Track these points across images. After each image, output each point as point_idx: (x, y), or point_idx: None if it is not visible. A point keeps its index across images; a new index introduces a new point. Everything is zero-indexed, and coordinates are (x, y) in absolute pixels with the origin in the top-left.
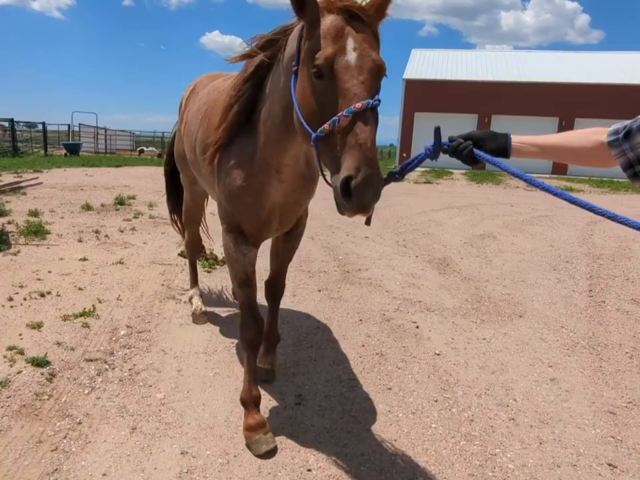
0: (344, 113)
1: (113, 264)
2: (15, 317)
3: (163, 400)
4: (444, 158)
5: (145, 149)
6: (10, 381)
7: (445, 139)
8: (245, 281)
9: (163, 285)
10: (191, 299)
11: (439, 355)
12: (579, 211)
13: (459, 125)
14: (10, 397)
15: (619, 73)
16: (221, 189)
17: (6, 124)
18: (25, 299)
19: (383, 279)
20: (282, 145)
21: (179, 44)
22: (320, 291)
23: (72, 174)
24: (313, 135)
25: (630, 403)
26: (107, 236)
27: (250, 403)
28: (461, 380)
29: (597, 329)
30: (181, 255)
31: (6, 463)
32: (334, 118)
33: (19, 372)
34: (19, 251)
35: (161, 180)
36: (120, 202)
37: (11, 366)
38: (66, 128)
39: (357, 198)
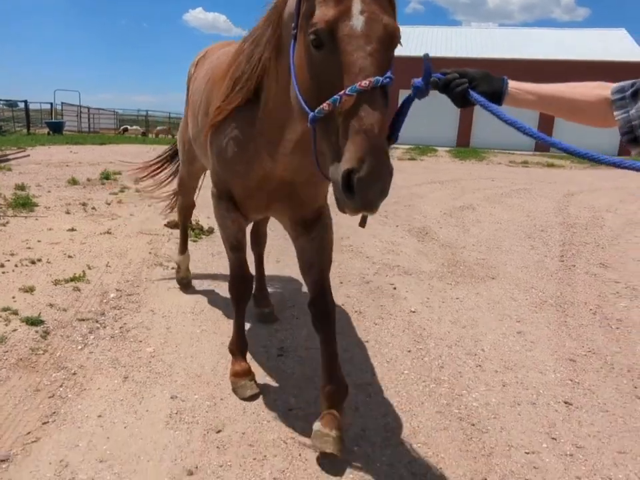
0: (347, 92)
1: (100, 234)
2: (8, 282)
3: (152, 353)
4: (429, 134)
5: (129, 127)
6: (6, 338)
7: (432, 116)
8: (234, 246)
9: (150, 253)
10: (178, 266)
11: (414, 312)
12: (557, 184)
13: (445, 101)
14: (7, 351)
15: (601, 50)
16: (214, 153)
17: None
18: (16, 266)
19: (364, 246)
20: (284, 118)
21: (161, 21)
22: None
23: (56, 151)
24: (310, 114)
25: (589, 351)
26: (93, 208)
27: (237, 351)
28: (433, 333)
29: (564, 289)
30: (167, 225)
31: (6, 408)
32: (335, 97)
33: (14, 330)
34: (7, 222)
35: (146, 155)
36: (106, 177)
37: (7, 325)
38: (48, 107)
39: (361, 195)
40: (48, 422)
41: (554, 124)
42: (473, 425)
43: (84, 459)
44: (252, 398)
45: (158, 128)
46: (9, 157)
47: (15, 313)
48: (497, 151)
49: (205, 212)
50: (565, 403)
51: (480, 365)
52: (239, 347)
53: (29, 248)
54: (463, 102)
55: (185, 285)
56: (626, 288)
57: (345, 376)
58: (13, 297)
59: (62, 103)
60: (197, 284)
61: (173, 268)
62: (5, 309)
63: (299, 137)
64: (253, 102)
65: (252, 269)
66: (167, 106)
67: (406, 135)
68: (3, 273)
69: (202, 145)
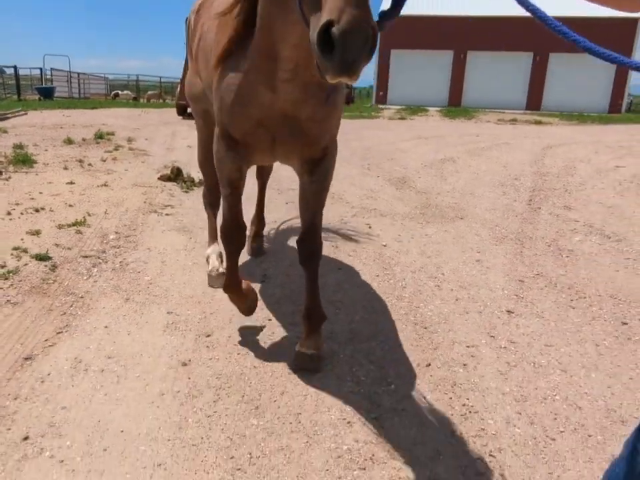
0: None
1: (98, 186)
2: (15, 226)
3: (150, 281)
4: (420, 95)
5: (120, 92)
6: (19, 270)
7: (424, 77)
8: (229, 184)
9: (145, 202)
10: (208, 257)
11: (385, 246)
12: (540, 139)
13: (436, 61)
14: (21, 280)
15: (593, 6)
16: (216, 94)
17: None
18: (22, 213)
19: (345, 193)
20: (278, 34)
21: None
22: (287, 203)
23: (49, 115)
24: None
25: (537, 274)
26: (90, 164)
27: (232, 289)
28: (401, 262)
29: (526, 227)
30: (160, 179)
31: (25, 323)
32: None
33: (26, 264)
34: (10, 177)
35: (138, 118)
36: (100, 136)
37: (18, 260)
38: (38, 72)
39: (340, 50)
40: (62, 332)
41: (545, 82)
42: (425, 327)
43: (94, 357)
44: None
45: (149, 92)
46: (8, 115)
47: (25, 251)
48: (488, 110)
49: (195, 166)
50: (508, 311)
51: (438, 285)
52: (232, 282)
53: (32, 199)
54: None
55: (214, 280)
56: (584, 225)
57: (321, 303)
58: (22, 239)
59: (51, 69)
60: (189, 225)
61: (167, 214)
62: (15, 248)
63: (295, 54)
64: (249, 35)
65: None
66: (158, 71)
67: (397, 96)
68: (11, 219)
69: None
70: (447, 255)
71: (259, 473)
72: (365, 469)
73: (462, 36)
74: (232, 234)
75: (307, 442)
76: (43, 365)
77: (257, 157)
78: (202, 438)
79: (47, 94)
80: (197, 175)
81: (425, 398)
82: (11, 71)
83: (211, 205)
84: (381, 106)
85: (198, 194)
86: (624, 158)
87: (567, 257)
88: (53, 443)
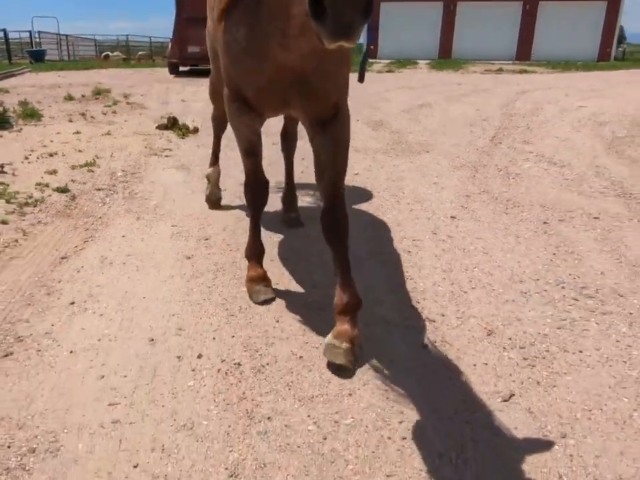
0: None
1: (102, 135)
2: (34, 168)
3: (156, 205)
4: (410, 48)
5: (110, 54)
6: (45, 199)
7: (413, 30)
8: (248, 150)
9: (146, 147)
10: (208, 177)
11: (357, 174)
12: (518, 85)
13: (425, 13)
14: (47, 207)
15: None
16: (223, 50)
17: None
18: (37, 158)
19: None
20: None
21: None
22: (274, 144)
23: (45, 76)
24: None
25: (483, 191)
26: (92, 117)
27: (253, 257)
28: (368, 184)
29: (483, 157)
30: (158, 127)
31: (57, 236)
32: None
33: (49, 195)
34: (21, 129)
35: (131, 77)
36: (98, 93)
37: (42, 193)
38: (27, 35)
39: (332, 14)
40: (87, 241)
41: (534, 31)
42: (382, 228)
43: (117, 255)
44: (266, 302)
45: (139, 53)
46: (15, 73)
47: (46, 185)
48: (478, 62)
49: (189, 116)
50: (451, 217)
51: (398, 201)
52: (254, 252)
53: (45, 146)
54: None
55: (214, 202)
56: (536, 155)
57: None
58: (42, 177)
59: (39, 32)
60: (187, 164)
61: (166, 156)
62: (38, 184)
63: (303, 9)
64: None
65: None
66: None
67: (387, 50)
68: (29, 162)
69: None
70: (409, 179)
71: (247, 318)
72: (324, 310)
73: None
74: (255, 189)
75: (283, 298)
76: (77, 262)
77: (269, 112)
78: (204, 299)
79: (38, 57)
80: (192, 123)
81: (377, 271)
82: (0, 34)
83: (217, 129)
84: (371, 60)
85: (193, 139)
86: (590, 99)
87: (513, 178)
88: (93, 305)
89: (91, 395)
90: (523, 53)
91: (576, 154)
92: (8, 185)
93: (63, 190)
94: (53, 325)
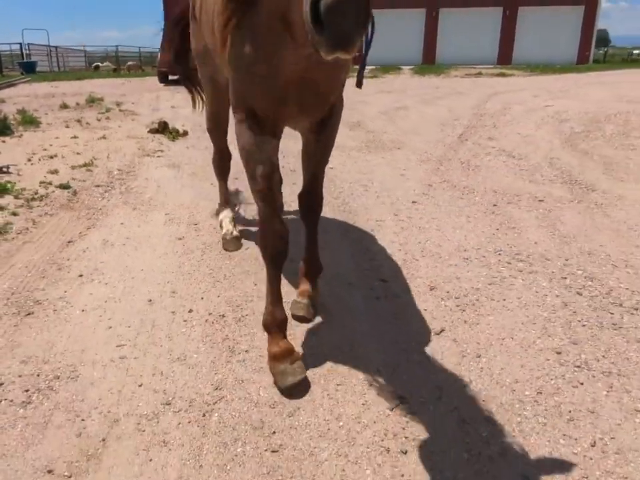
0: None
1: (98, 139)
2: (37, 168)
3: (150, 197)
4: (395, 55)
5: (100, 64)
6: (49, 195)
7: (397, 36)
8: (265, 187)
9: (139, 149)
10: (221, 222)
11: (332, 168)
12: (492, 88)
13: (409, 19)
14: (52, 201)
15: None
16: (231, 63)
17: None
18: (39, 159)
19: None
20: None
21: None
22: None
23: (38, 87)
24: None
25: (444, 181)
26: (87, 123)
27: (274, 327)
28: (342, 178)
29: (449, 152)
30: (150, 132)
31: (62, 224)
32: None
33: (53, 191)
34: (22, 135)
35: (122, 86)
36: (91, 101)
37: (46, 189)
38: (17, 47)
39: (329, 25)
40: (90, 228)
41: (515, 36)
42: (351, 212)
43: (117, 238)
44: (295, 387)
45: (129, 63)
46: (15, 82)
47: (50, 183)
48: (461, 66)
49: (179, 121)
50: (413, 202)
51: (367, 190)
52: (275, 320)
53: (45, 149)
54: None
55: (229, 243)
56: (497, 150)
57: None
58: (45, 176)
59: (28, 44)
60: (177, 163)
61: (158, 156)
62: (42, 182)
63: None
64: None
65: None
66: (137, 40)
67: (372, 57)
68: (32, 164)
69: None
70: (379, 172)
71: (230, 283)
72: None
73: None
74: (273, 240)
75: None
76: (82, 244)
77: (283, 125)
78: (194, 270)
79: (29, 68)
80: (182, 127)
81: (345, 246)
82: None
83: (220, 172)
84: (356, 66)
85: (183, 142)
86: (557, 100)
87: (472, 170)
88: (99, 277)
89: (101, 340)
90: (505, 57)
91: (534, 148)
92: (15, 183)
93: (65, 187)
94: (65, 292)
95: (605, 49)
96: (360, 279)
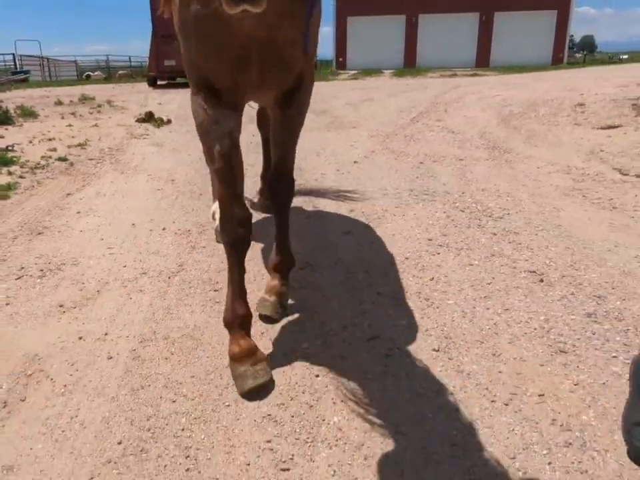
0: None
1: (90, 127)
2: (38, 148)
3: (136, 165)
4: (377, 59)
5: (91, 74)
6: (49, 165)
7: (378, 38)
8: (221, 163)
9: (127, 133)
10: (213, 214)
11: None
12: (457, 84)
13: (389, 25)
14: (52, 169)
15: None
16: (179, 33)
17: None
18: (39, 142)
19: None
20: None
21: None
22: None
23: (33, 92)
24: None
25: (385, 149)
26: (81, 115)
27: (235, 325)
28: (301, 149)
29: (398, 130)
30: (137, 120)
31: (61, 184)
32: None
33: (53, 162)
34: (22, 124)
35: (113, 90)
36: (84, 99)
37: (47, 161)
38: (10, 58)
39: None
40: (85, 186)
41: (492, 40)
42: (300, 169)
43: (107, 191)
44: (255, 390)
45: (120, 72)
46: (15, 78)
47: (49, 157)
48: (440, 69)
49: (164, 113)
50: (354, 162)
51: (318, 156)
52: (236, 317)
53: (44, 134)
54: None
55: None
56: (441, 128)
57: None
58: (45, 152)
59: (20, 55)
60: (160, 142)
61: (144, 138)
62: (42, 156)
63: None
64: None
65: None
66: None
67: (356, 62)
68: (33, 145)
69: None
70: (333, 144)
71: (197, 213)
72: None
73: (412, 0)
74: (231, 226)
75: None
76: (79, 195)
77: (246, 95)
78: (169, 207)
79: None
80: (166, 117)
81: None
82: None
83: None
84: (340, 71)
85: (166, 128)
86: (509, 91)
87: (413, 141)
88: (93, 213)
89: (95, 246)
90: (482, 60)
91: (472, 126)
92: (19, 157)
93: (63, 159)
94: (66, 221)
95: (584, 53)
96: (299, 204)
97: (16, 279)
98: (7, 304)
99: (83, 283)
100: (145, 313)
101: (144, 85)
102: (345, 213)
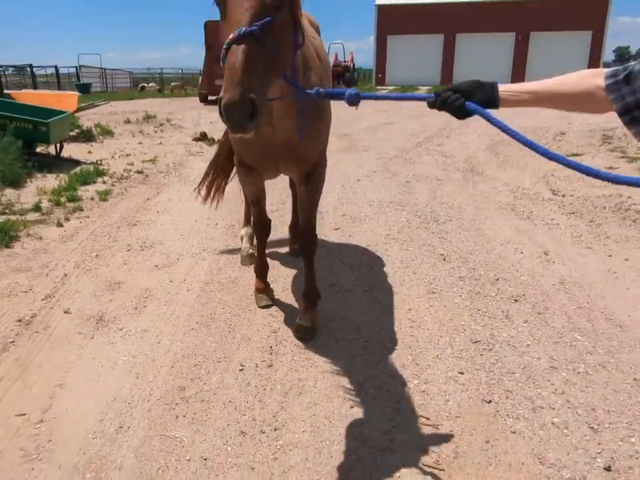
0: (224, 46)
1: (156, 144)
2: (119, 162)
3: (194, 178)
4: (416, 76)
5: (145, 85)
6: (130, 176)
7: (417, 56)
8: (254, 201)
9: (186, 151)
10: (241, 237)
11: None
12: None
13: (428, 44)
14: (133, 180)
15: None
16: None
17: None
18: (119, 157)
19: None
20: None
21: None
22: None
23: (101, 107)
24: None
25: (385, 169)
26: (148, 134)
27: (259, 273)
28: None
29: (400, 154)
30: (194, 140)
31: (142, 191)
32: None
33: (132, 175)
34: (103, 141)
35: (168, 105)
36: (148, 117)
37: (128, 173)
38: (73, 70)
39: (225, 118)
40: (159, 193)
41: (526, 59)
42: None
43: (175, 197)
44: (265, 307)
45: (172, 84)
46: (97, 104)
47: (129, 170)
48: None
49: (215, 132)
50: (357, 180)
51: (331, 174)
52: (260, 270)
53: (121, 150)
54: (462, 114)
55: (245, 259)
56: (438, 152)
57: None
58: (125, 166)
59: (80, 66)
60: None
61: (199, 155)
62: (124, 169)
63: (279, 102)
64: None
65: None
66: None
67: (394, 78)
68: (114, 160)
69: None
70: (344, 164)
71: (239, 214)
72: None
73: (451, 20)
74: (260, 228)
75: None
76: (155, 200)
77: (267, 175)
78: (219, 209)
79: (84, 90)
80: (217, 136)
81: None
82: (52, 70)
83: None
84: (379, 87)
85: (216, 146)
86: (519, 117)
87: (409, 163)
88: (167, 212)
89: (172, 234)
90: (516, 80)
91: (463, 150)
92: (108, 169)
93: (140, 172)
94: (151, 217)
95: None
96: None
97: (126, 251)
98: (125, 264)
99: (168, 255)
100: (206, 270)
101: (195, 100)
102: (339, 216)
